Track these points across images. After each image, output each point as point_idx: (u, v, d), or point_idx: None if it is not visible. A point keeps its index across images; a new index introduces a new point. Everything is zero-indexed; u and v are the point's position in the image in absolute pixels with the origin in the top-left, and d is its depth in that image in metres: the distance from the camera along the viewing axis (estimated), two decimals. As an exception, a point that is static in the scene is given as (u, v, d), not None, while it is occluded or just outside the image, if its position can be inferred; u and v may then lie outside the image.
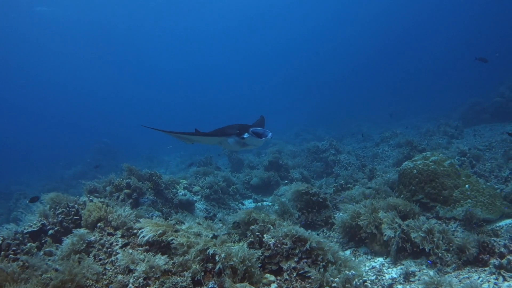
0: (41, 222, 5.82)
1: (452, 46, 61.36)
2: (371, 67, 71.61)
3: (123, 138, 39.03)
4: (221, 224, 4.92)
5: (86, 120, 63.31)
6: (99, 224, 4.75)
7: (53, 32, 49.42)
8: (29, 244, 5.38)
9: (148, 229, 4.13)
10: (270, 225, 4.40)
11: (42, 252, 5.01)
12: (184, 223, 5.09)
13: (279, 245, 4.08)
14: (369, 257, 5.22)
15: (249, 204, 10.03)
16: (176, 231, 4.35)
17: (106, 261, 4.22)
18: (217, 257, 3.63)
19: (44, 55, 56.44)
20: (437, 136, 14.41)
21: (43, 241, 5.64)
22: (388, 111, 29.09)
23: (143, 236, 4.12)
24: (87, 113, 70.36)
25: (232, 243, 4.45)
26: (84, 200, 6.24)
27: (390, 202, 5.37)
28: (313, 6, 55.89)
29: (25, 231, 5.65)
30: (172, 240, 3.98)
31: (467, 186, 6.23)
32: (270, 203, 9.16)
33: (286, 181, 10.68)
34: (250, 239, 4.31)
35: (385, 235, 4.84)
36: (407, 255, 4.82)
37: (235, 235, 4.72)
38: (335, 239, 5.97)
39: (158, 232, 4.11)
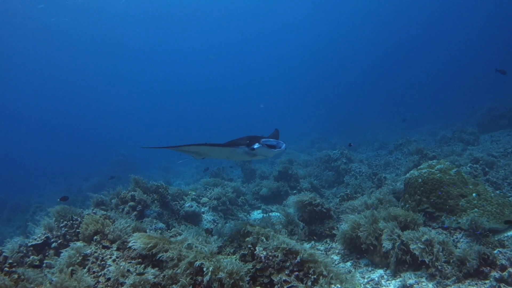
0: (46, 235, 5.94)
1: (469, 49, 60.30)
2: (387, 73, 70.93)
3: (140, 150, 39.61)
4: (216, 237, 4.88)
5: (105, 133, 64.70)
6: (95, 237, 4.81)
7: (72, 46, 50.74)
8: (32, 257, 5.51)
9: (140, 242, 4.15)
10: (263, 237, 4.35)
11: (44, 265, 5.12)
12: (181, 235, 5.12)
13: (270, 257, 4.04)
14: (370, 268, 5.10)
15: (258, 214, 9.98)
16: (170, 243, 4.36)
17: (100, 273, 4.26)
18: (204, 270, 3.62)
19: (64, 70, 57.97)
20: (452, 143, 14.08)
21: (47, 254, 5.77)
22: (407, 117, 28.58)
23: (134, 249, 4.15)
24: (105, 126, 72.01)
25: (226, 256, 4.43)
26: (88, 213, 6.34)
27: (390, 213, 5.25)
28: (324, 12, 55.78)
29: (29, 244, 5.79)
30: (160, 254, 3.98)
31: (474, 194, 6.03)
32: (278, 214, 9.09)
33: (295, 191, 10.60)
34: (243, 252, 4.27)
35: (384, 246, 4.72)
36: (408, 267, 4.68)
37: (231, 247, 4.69)
38: (337, 251, 5.87)
39: (149, 246, 4.12)
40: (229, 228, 5.17)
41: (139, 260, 4.24)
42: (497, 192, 6.73)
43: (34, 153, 53.10)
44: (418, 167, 6.74)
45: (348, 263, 5.39)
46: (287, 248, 4.01)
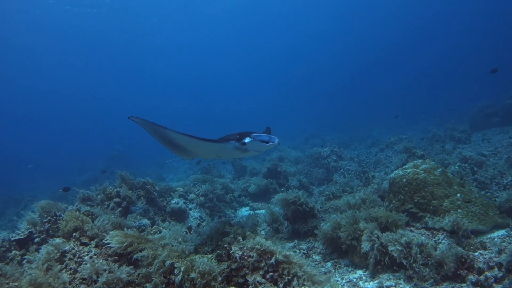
0: (29, 230, 5.94)
1: (467, 46, 60.29)
2: (383, 70, 70.97)
3: (135, 145, 39.55)
4: (195, 235, 4.84)
5: (100, 129, 64.57)
6: (74, 234, 4.76)
7: (69, 43, 50.39)
8: (14, 251, 5.47)
9: (115, 241, 4.10)
10: (240, 237, 4.31)
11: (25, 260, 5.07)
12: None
13: (245, 257, 4.00)
14: (350, 269, 5.08)
15: (245, 212, 9.95)
16: (147, 242, 4.31)
17: (77, 270, 4.22)
18: (176, 270, 3.58)
19: (60, 66, 57.66)
20: (444, 141, 14.06)
21: (29, 248, 5.73)
22: (401, 115, 28.59)
23: (110, 247, 4.11)
24: (101, 121, 71.91)
25: (203, 255, 4.39)
26: (72, 209, 6.29)
27: (371, 214, 5.21)
28: (318, 9, 55.25)
29: (12, 238, 5.77)
30: (134, 253, 3.94)
31: (458, 195, 6.01)
32: (264, 211, 9.07)
33: (283, 189, 10.56)
34: (219, 251, 4.23)
35: (363, 248, 4.69)
36: (387, 268, 4.66)
37: (209, 246, 4.64)
38: (318, 250, 5.84)
39: (124, 244, 4.08)
40: (208, 227, 5.12)
41: (116, 258, 4.19)
42: (483, 192, 6.71)
43: (30, 147, 53.16)
44: (403, 167, 6.72)
45: (329, 263, 5.36)
46: (261, 249, 3.98)
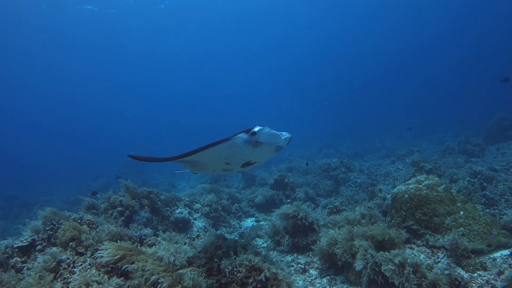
0: (32, 238, 6.03)
1: (480, 55, 59.09)
2: (398, 78, 70.04)
3: (150, 152, 40.02)
4: (189, 248, 4.85)
5: (116, 135, 65.78)
6: (71, 243, 4.85)
7: (85, 51, 51.57)
8: (15, 258, 5.58)
9: (106, 253, 4.16)
10: (231, 252, 4.31)
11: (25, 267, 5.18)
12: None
13: (235, 273, 4.00)
14: (345, 286, 5.01)
15: (251, 222, 9.93)
16: (140, 254, 4.36)
17: (70, 280, 4.29)
18: (158, 286, 3.60)
19: (80, 76, 59.17)
20: (456, 154, 13.77)
21: (31, 256, 5.85)
22: (414, 127, 28.16)
23: (102, 259, 4.17)
24: (117, 129, 73.29)
25: (196, 268, 4.40)
26: (76, 216, 6.39)
27: (366, 231, 5.13)
28: (331, 16, 54.93)
29: (15, 245, 5.88)
30: (126, 266, 3.99)
31: (461, 213, 5.88)
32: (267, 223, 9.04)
33: (289, 200, 10.51)
34: (209, 266, 4.23)
35: (356, 266, 4.62)
36: (381, 287, 4.57)
37: (203, 259, 4.65)
38: (316, 265, 5.78)
39: (115, 258, 4.13)
40: (203, 240, 5.13)
41: (108, 269, 4.25)
42: (487, 210, 6.53)
43: (49, 153, 54.48)
44: (406, 182, 6.61)
45: (325, 279, 5.30)
46: (250, 265, 3.97)
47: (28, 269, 4.91)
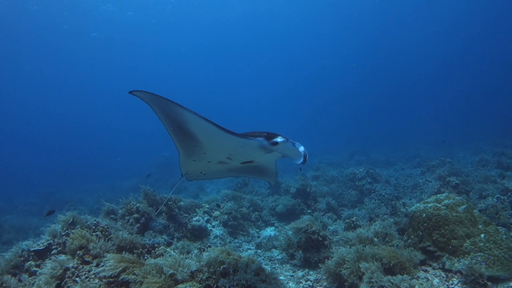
0: (48, 242, 6.24)
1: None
2: (439, 83, 67.34)
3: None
4: (193, 261, 4.88)
5: (150, 135, 67.62)
6: (78, 252, 5.01)
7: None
8: (29, 262, 5.81)
9: (108, 266, 4.27)
10: (231, 269, 4.31)
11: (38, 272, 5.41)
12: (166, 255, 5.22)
13: (231, 292, 4.00)
14: (351, 309, 4.86)
15: (270, 231, 9.87)
16: (142, 266, 4.44)
17: (74, 288, 4.44)
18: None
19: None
20: (490, 167, 13.05)
21: (46, 260, 6.08)
22: (455, 132, 27.06)
23: (104, 271, 4.29)
24: (151, 127, 75.39)
25: (197, 283, 4.43)
26: (91, 222, 6.60)
27: (375, 251, 4.96)
28: (363, 19, 53.60)
29: (31, 249, 6.13)
30: (125, 277, 4.08)
31: (482, 236, 5.56)
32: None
33: (309, 211, 10.36)
34: (207, 282, 4.25)
35: (361, 289, 4.49)
36: (388, 312, 4.41)
37: (204, 274, 4.68)
38: (325, 283, 5.66)
39: (118, 270, 4.23)
40: (208, 253, 5.15)
41: (110, 279, 4.36)
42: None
43: (87, 151, 56.85)
44: (425, 200, 6.35)
45: (333, 300, 5.18)
46: (246, 285, 3.95)
47: (41, 274, 5.12)
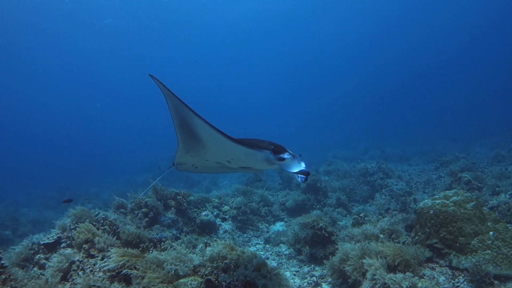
0: (58, 235, 6.39)
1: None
2: (456, 77, 65.85)
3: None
4: (196, 256, 4.93)
5: (165, 129, 68.22)
6: (84, 245, 5.12)
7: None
8: (39, 255, 5.95)
9: (111, 261, 4.35)
10: (232, 264, 4.34)
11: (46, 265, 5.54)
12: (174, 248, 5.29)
13: (231, 286, 4.02)
14: (355, 305, 4.85)
15: (279, 226, 9.88)
16: (143, 259, 4.51)
17: (78, 281, 4.54)
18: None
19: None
20: (507, 162, 12.72)
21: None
22: (472, 127, 26.44)
23: (107, 265, 4.37)
24: (166, 121, 75.96)
25: (199, 277, 4.48)
26: (100, 216, 6.73)
27: (378, 248, 4.92)
28: (377, 14, 52.76)
29: (41, 242, 6.28)
30: (126, 272, 4.15)
31: (491, 233, 5.44)
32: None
33: (319, 206, 10.32)
34: (208, 277, 4.29)
35: (363, 287, 4.46)
36: (392, 309, 4.37)
37: (207, 268, 4.72)
38: (329, 279, 5.64)
39: (120, 263, 4.30)
40: (211, 248, 5.19)
41: (113, 273, 4.44)
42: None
43: (103, 146, 57.86)
44: (433, 197, 6.24)
45: (336, 296, 5.17)
46: (245, 280, 3.97)
47: (49, 266, 5.25)
